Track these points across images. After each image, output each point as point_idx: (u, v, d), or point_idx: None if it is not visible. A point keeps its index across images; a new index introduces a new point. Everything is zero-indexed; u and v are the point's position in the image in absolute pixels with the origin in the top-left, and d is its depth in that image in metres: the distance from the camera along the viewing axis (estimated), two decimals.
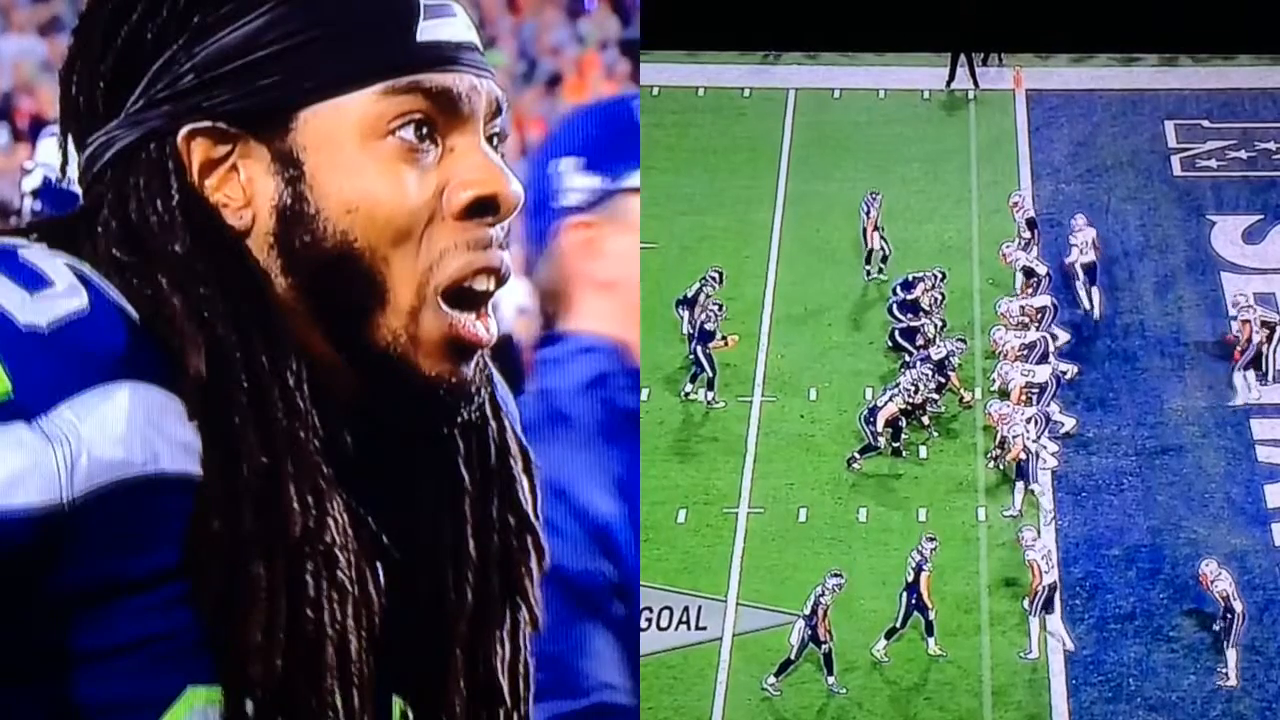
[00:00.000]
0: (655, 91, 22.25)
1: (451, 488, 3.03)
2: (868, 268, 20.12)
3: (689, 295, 18.75)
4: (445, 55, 2.93)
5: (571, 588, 4.31)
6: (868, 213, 20.06)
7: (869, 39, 22.83)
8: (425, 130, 2.90)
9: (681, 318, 18.65)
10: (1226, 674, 15.38)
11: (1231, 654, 15.40)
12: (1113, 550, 16.79)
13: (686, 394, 18.40)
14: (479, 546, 3.04)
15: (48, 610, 2.67)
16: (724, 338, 18.40)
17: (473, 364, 2.96)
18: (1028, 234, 19.67)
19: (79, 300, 2.73)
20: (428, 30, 2.92)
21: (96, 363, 2.68)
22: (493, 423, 3.09)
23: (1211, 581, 15.57)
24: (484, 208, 2.92)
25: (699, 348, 18.28)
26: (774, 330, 19.39)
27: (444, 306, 2.89)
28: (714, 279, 18.96)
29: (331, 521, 2.82)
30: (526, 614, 3.12)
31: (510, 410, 3.17)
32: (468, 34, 2.98)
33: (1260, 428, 18.07)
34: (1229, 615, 15.36)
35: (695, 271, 19.23)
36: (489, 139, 2.97)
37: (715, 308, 18.50)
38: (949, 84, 22.85)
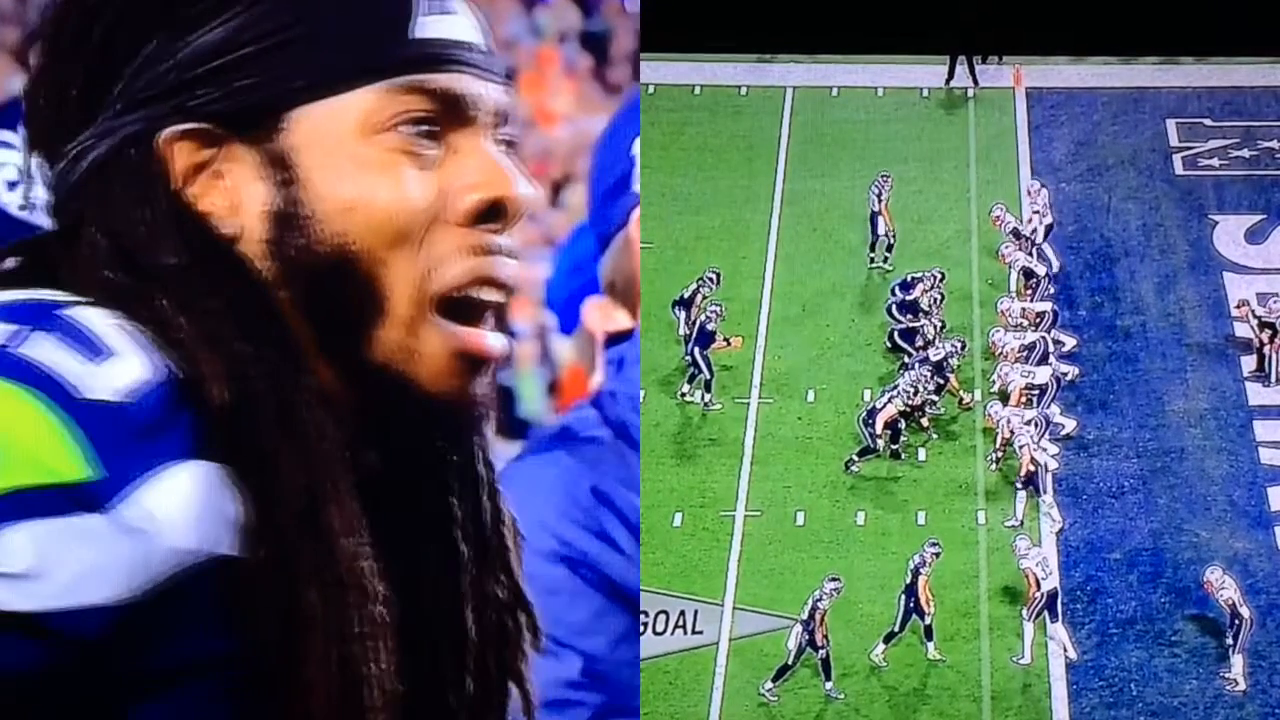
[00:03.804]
0: (651, 90, 22.16)
1: (447, 559, 2.85)
2: (872, 255, 20.02)
3: (685, 296, 18.66)
4: (446, 55, 2.76)
5: (630, 604, 4.14)
6: (879, 195, 19.97)
7: (866, 41, 22.77)
8: (426, 129, 2.73)
9: (678, 319, 18.55)
10: (1234, 679, 15.25)
11: (1238, 660, 15.28)
12: (1114, 554, 16.70)
13: (683, 395, 18.30)
14: (478, 626, 2.85)
15: (104, 703, 2.51)
16: (726, 339, 18.30)
17: (483, 381, 2.77)
18: (1014, 242, 19.61)
19: (140, 367, 2.54)
20: (427, 26, 2.75)
21: (163, 436, 2.51)
22: (486, 485, 2.90)
23: (1217, 590, 15.44)
24: (490, 212, 2.74)
25: (696, 349, 18.18)
26: (771, 331, 19.31)
27: (438, 318, 2.71)
28: (711, 279, 18.88)
29: (365, 551, 2.65)
30: (520, 700, 2.93)
31: (497, 469, 2.98)
32: (472, 33, 2.81)
33: (1263, 430, 17.97)
34: (1237, 622, 15.23)
35: (692, 272, 19.15)
36: (496, 144, 2.80)
37: (716, 309, 18.39)
38: (948, 82, 22.80)
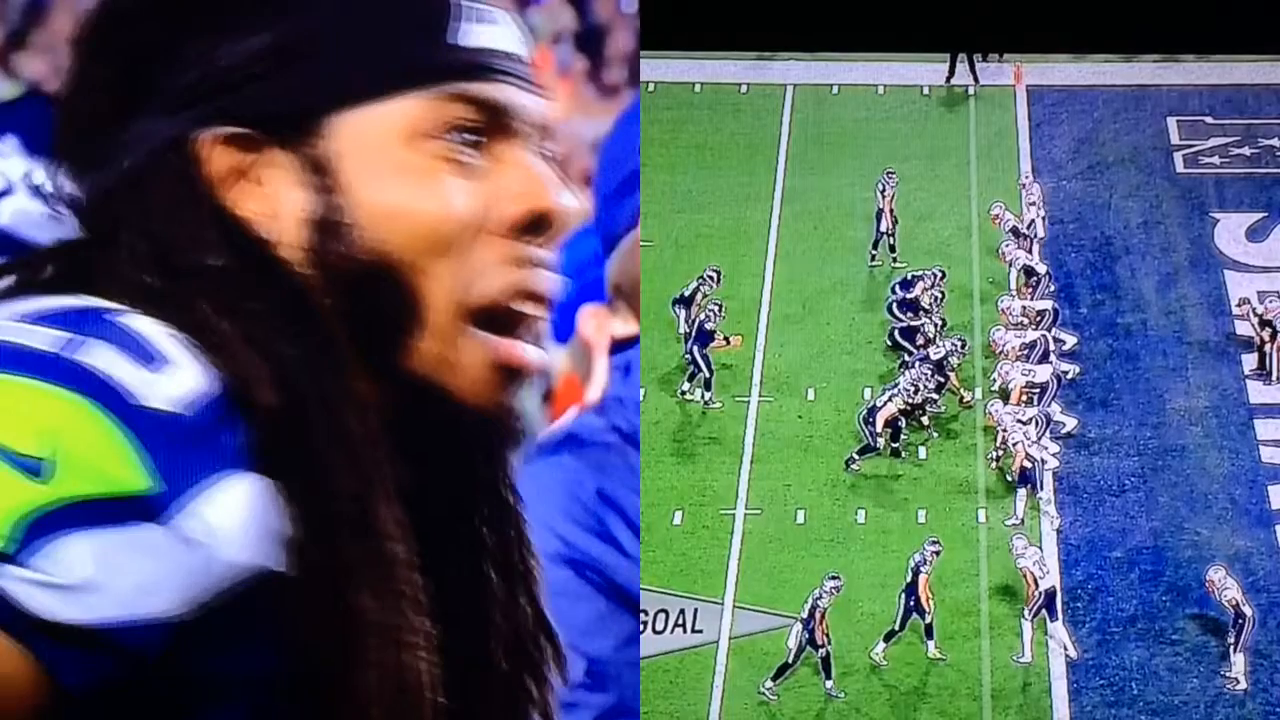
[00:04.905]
0: (651, 88, 22.13)
1: (476, 584, 2.82)
2: (874, 252, 19.96)
3: (685, 294, 18.63)
4: (492, 64, 2.74)
5: (633, 606, 4.10)
6: (882, 191, 19.91)
7: (867, 39, 22.72)
8: (471, 138, 2.70)
9: (678, 317, 18.51)
10: (1235, 678, 15.22)
11: (1239, 658, 15.24)
12: (1114, 553, 16.66)
13: (683, 394, 18.26)
14: (506, 653, 2.83)
15: (160, 717, 2.49)
16: (725, 338, 18.25)
17: (521, 393, 2.77)
18: (1014, 241, 19.57)
19: (194, 377, 2.52)
20: (470, 35, 2.72)
21: (217, 446, 2.49)
22: (513, 511, 2.89)
23: (1220, 590, 15.39)
24: (534, 224, 2.72)
25: (695, 347, 18.14)
26: (771, 329, 19.26)
27: (474, 329, 2.69)
28: (711, 278, 18.83)
29: (414, 560, 2.63)
30: None
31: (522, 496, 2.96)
32: (517, 45, 2.79)
33: (1264, 428, 17.93)
34: (1240, 621, 15.19)
35: (692, 270, 19.11)
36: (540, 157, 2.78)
37: (715, 307, 18.35)
38: (949, 80, 22.77)
